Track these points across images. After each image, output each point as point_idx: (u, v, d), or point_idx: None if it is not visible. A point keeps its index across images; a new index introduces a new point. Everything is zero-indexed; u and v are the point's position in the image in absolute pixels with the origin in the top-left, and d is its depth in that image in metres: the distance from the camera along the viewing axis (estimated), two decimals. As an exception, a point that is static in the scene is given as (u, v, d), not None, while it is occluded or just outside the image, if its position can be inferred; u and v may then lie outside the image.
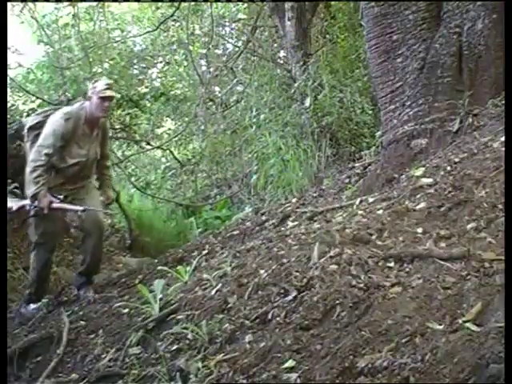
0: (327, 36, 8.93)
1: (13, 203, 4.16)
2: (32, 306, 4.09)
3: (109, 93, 4.08)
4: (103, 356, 2.72)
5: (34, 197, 3.89)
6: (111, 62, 9.31)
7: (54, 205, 3.93)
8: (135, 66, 10.67)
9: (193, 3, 8.97)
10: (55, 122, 4.04)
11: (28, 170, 3.96)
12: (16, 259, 6.73)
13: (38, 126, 4.15)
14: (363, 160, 5.67)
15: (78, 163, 4.12)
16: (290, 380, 1.88)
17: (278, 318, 2.28)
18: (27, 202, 3.97)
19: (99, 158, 4.31)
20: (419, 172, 3.40)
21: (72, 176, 4.14)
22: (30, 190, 3.93)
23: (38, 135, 4.08)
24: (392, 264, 2.41)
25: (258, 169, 6.99)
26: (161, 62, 11.23)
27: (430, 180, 3.16)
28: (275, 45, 10.08)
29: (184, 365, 2.25)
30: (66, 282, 6.38)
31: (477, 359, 1.60)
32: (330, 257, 2.54)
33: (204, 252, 4.29)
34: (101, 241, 4.25)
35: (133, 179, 8.93)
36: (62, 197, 4.00)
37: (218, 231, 5.18)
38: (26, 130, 4.27)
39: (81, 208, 3.95)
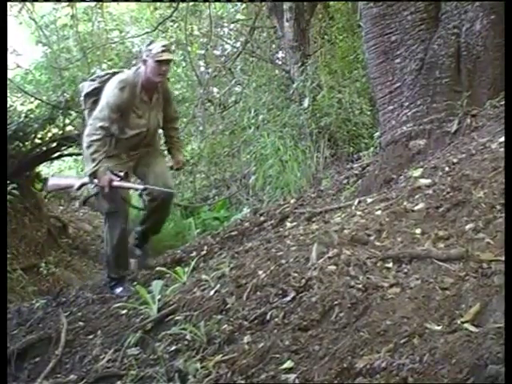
0: (325, 37, 8.94)
1: (74, 181, 4.06)
2: (118, 289, 3.86)
3: (166, 55, 3.73)
4: (101, 357, 2.71)
5: (93, 175, 3.68)
6: (109, 63, 9.30)
7: (115, 183, 3.70)
8: (134, 67, 10.66)
9: (191, 4, 8.98)
10: (110, 92, 3.76)
11: (84, 145, 3.74)
12: (14, 260, 6.73)
13: (95, 93, 3.91)
14: (361, 161, 5.67)
15: (138, 134, 3.89)
16: (289, 381, 1.88)
17: (276, 319, 2.28)
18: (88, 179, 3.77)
19: (165, 122, 4.06)
20: (417, 173, 3.39)
21: (133, 146, 3.93)
22: (88, 167, 3.70)
23: (95, 101, 3.85)
24: (390, 265, 2.41)
25: (256, 169, 6.98)
26: (159, 62, 11.20)
27: (428, 181, 3.15)
28: (273, 46, 10.09)
29: (182, 365, 2.24)
30: (64, 282, 6.37)
31: (475, 360, 1.60)
32: (329, 257, 2.54)
33: (202, 253, 4.29)
34: (168, 204, 4.01)
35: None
36: (122, 174, 3.76)
37: (217, 232, 5.17)
38: (82, 97, 4.06)
39: (141, 187, 3.76)
